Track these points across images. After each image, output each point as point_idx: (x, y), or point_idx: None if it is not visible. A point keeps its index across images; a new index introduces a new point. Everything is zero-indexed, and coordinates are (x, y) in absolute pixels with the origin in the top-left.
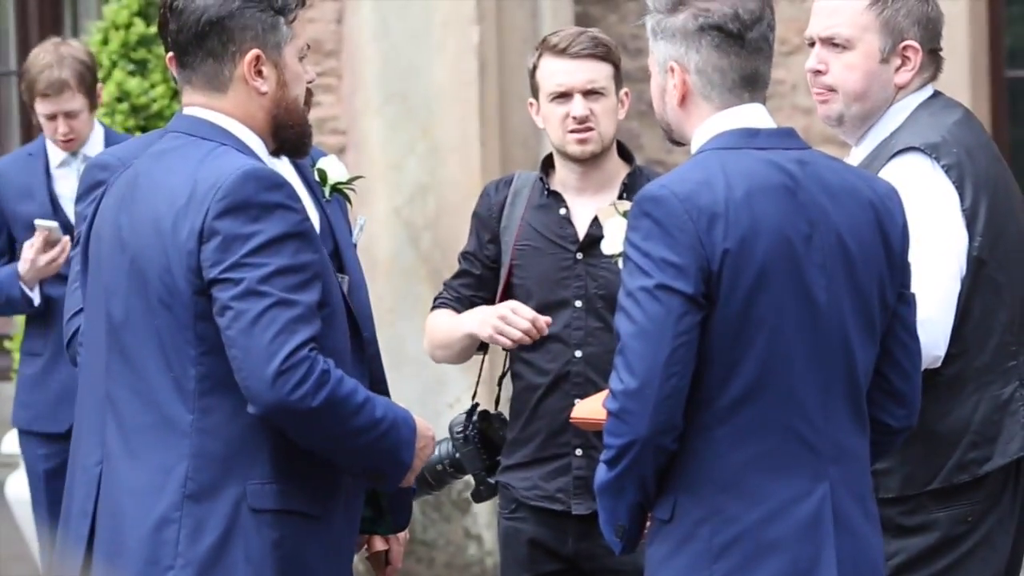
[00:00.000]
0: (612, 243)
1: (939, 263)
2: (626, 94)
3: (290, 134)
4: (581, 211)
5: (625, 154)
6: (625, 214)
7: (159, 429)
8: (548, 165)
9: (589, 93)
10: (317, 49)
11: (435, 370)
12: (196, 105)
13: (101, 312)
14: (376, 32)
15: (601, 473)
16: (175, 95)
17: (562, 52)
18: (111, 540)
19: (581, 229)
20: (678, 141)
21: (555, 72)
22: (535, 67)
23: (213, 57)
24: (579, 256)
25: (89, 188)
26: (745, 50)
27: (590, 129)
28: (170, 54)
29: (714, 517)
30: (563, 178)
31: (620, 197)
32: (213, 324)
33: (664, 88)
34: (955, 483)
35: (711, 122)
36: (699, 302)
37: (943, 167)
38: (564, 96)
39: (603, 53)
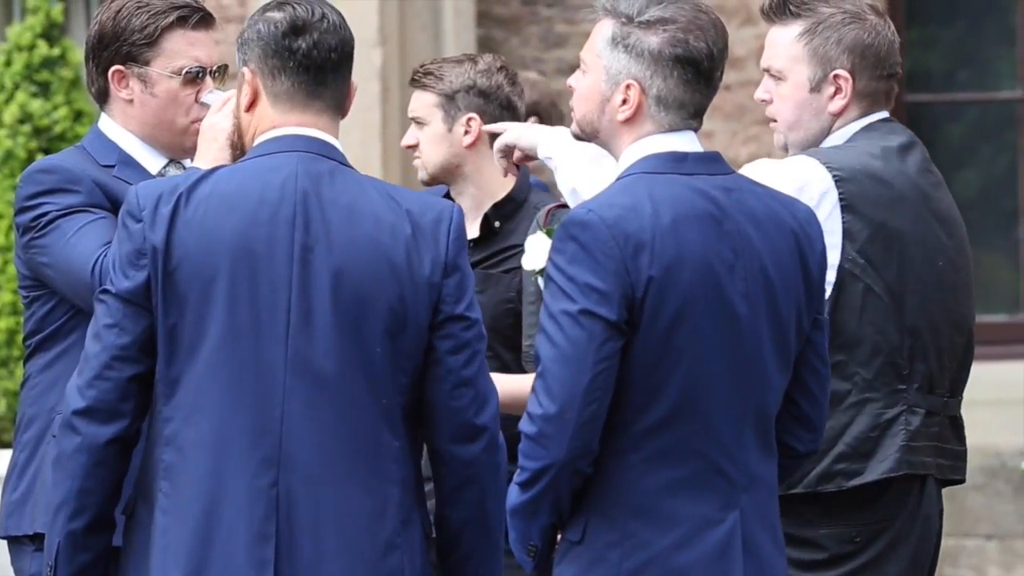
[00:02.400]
0: (532, 259)
1: None
2: (469, 120)
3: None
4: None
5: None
6: (549, 232)
7: (369, 455)
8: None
9: (415, 122)
10: None
11: None
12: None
13: (271, 337)
14: None
15: (514, 495)
16: (77, 116)
17: (410, 83)
18: (315, 564)
19: None
20: (585, 140)
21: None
22: None
23: None
24: None
25: (37, 194)
26: (708, 88)
27: (418, 157)
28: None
29: (625, 542)
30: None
31: (487, 222)
32: (428, 356)
33: (607, 98)
34: (819, 491)
35: (644, 143)
36: (622, 328)
37: (834, 176)
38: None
39: (424, 83)
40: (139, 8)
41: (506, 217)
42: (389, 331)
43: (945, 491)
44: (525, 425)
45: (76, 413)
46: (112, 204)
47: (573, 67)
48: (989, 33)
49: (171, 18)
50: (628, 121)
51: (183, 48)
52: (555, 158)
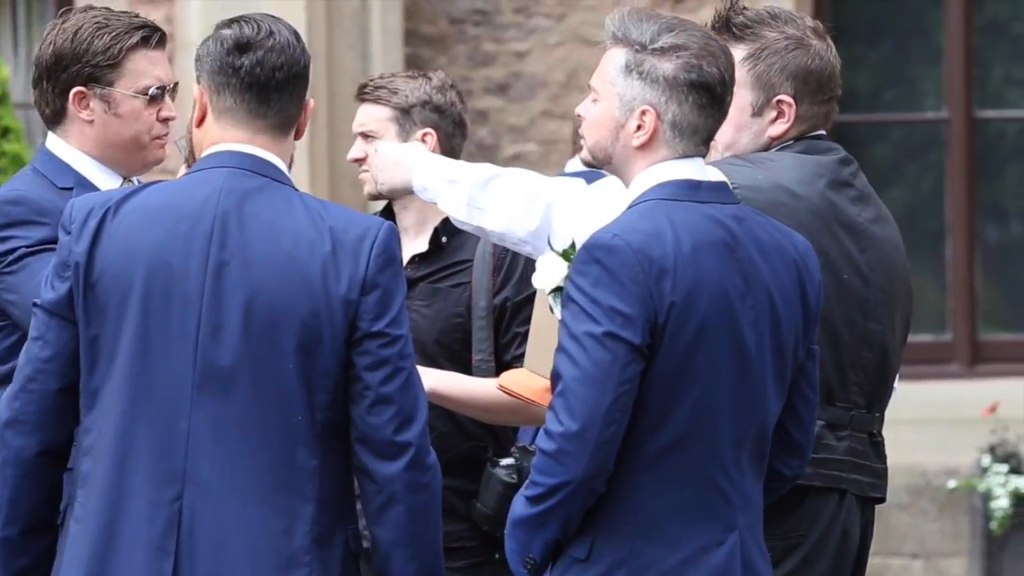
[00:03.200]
0: (544, 279)
1: None
2: (424, 135)
3: None
4: (406, 250)
5: None
6: (566, 254)
7: (279, 472)
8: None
9: (364, 136)
10: None
11: None
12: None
13: (180, 351)
14: None
15: (520, 506)
16: (4, 133)
17: (357, 97)
18: None
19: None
20: (597, 167)
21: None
22: None
23: None
24: None
25: (5, 225)
26: (720, 112)
27: (365, 171)
28: None
29: (631, 560)
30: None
31: (436, 237)
32: (347, 373)
33: (621, 125)
34: None
35: (658, 169)
36: (644, 352)
37: (732, 185)
38: (359, 137)
39: (376, 97)
40: (100, 29)
41: (454, 232)
42: (302, 347)
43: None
44: (543, 442)
45: (3, 425)
46: None
47: (500, 86)
48: (915, 53)
49: (135, 39)
50: (643, 147)
51: (145, 68)
52: (431, 190)
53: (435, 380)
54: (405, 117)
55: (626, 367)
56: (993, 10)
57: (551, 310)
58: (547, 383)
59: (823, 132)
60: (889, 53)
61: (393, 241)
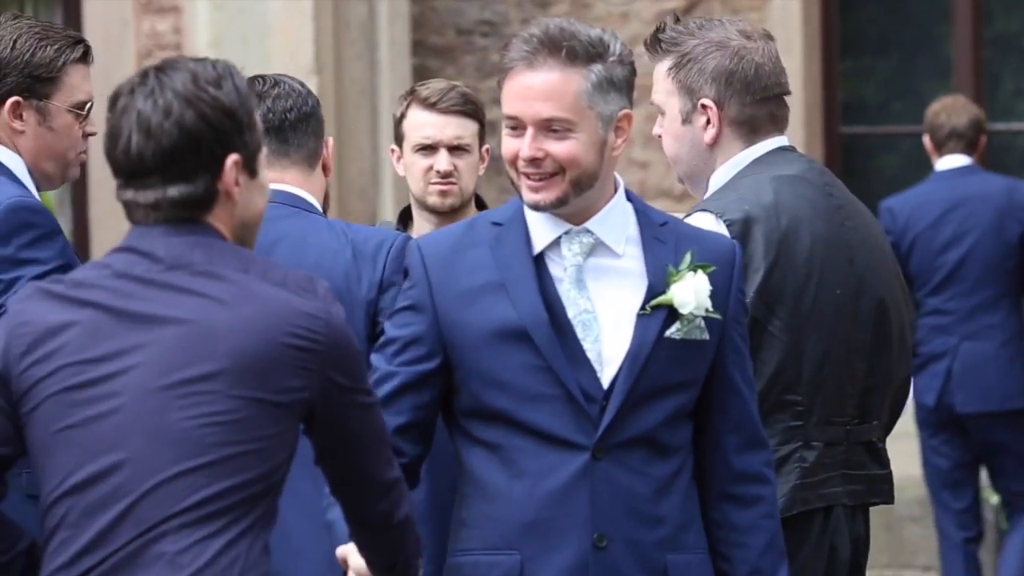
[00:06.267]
0: (691, 301)
1: None
2: (487, 150)
3: None
4: None
5: (481, 207)
6: (695, 268)
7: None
8: (407, 216)
9: (455, 149)
10: None
11: None
12: None
13: None
14: None
15: None
16: None
17: (431, 106)
18: None
19: None
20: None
21: (422, 125)
22: (402, 116)
23: None
24: None
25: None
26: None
27: (453, 183)
28: None
29: None
30: (420, 229)
31: None
32: None
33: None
34: None
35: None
36: None
37: (726, 222)
38: (429, 149)
39: (471, 110)
40: (41, 40)
41: None
42: None
43: (882, 522)
44: None
45: None
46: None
47: None
48: (924, 65)
49: (77, 53)
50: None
51: (79, 83)
52: None
53: None
54: (482, 131)
55: None
56: (1003, 23)
57: (701, 329)
58: None
59: (783, 140)
60: (898, 65)
61: (403, 248)
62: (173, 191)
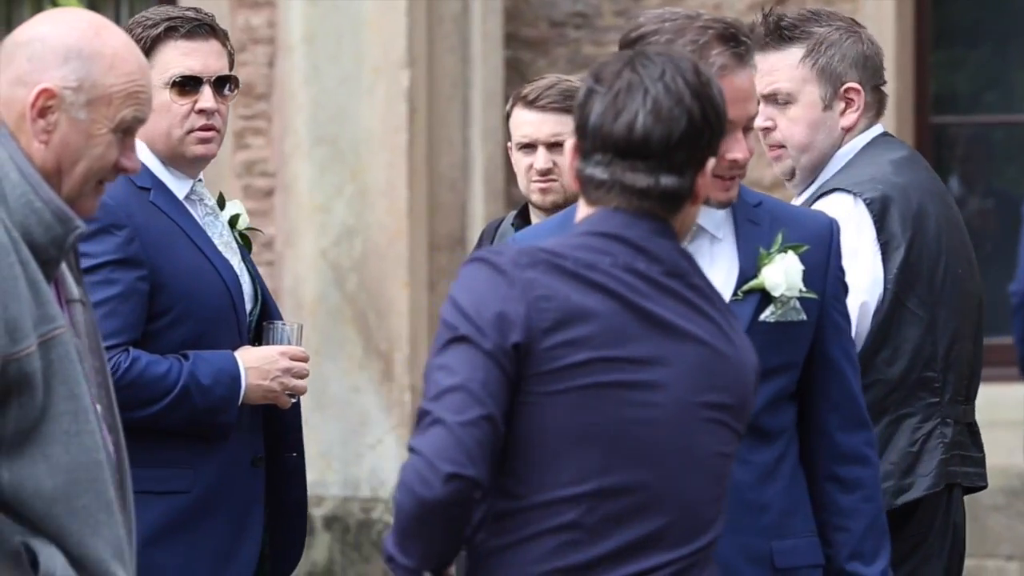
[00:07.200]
0: (783, 282)
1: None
2: None
3: None
4: None
5: None
6: (786, 249)
7: None
8: (526, 212)
9: (554, 145)
10: (248, 92)
11: (357, 411)
12: None
13: None
14: (307, 76)
15: None
16: None
17: (530, 103)
18: None
19: None
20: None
21: (522, 123)
22: (508, 114)
23: None
24: None
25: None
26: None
27: (552, 180)
28: None
29: None
30: None
31: None
32: None
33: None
34: None
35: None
36: None
37: (865, 201)
38: (529, 147)
39: (570, 106)
40: (133, 24)
41: None
42: None
43: (968, 511)
44: None
45: None
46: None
47: None
48: (1015, 55)
49: (159, 30)
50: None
51: (175, 59)
52: None
53: None
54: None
55: None
56: None
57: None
58: None
59: (881, 127)
60: (989, 55)
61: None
62: (666, 180)
